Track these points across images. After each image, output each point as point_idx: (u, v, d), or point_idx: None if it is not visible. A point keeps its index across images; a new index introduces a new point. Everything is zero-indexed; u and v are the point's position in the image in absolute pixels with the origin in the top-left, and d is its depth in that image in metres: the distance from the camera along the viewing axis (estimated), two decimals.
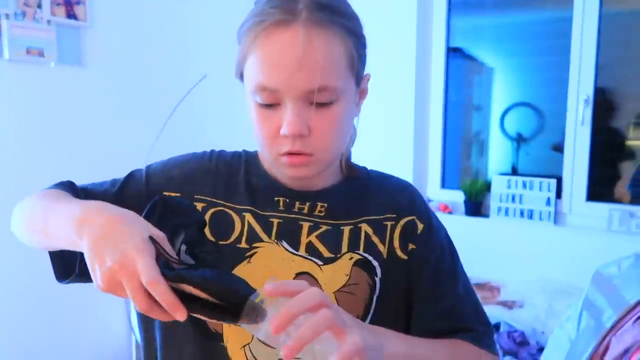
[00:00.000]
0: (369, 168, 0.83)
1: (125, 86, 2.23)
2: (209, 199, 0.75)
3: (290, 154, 0.66)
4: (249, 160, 0.79)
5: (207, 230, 0.73)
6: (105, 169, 2.12)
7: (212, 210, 0.74)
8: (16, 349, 1.95)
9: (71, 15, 1.98)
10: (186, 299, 0.53)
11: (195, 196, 0.75)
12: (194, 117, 2.37)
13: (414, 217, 0.76)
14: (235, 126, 2.81)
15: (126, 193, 0.75)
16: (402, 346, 0.62)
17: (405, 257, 0.74)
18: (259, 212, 0.73)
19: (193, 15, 2.46)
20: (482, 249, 2.32)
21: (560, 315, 1.76)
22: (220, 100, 2.56)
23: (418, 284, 0.74)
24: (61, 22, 1.96)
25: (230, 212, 0.74)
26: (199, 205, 0.75)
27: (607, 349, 1.00)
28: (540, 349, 1.72)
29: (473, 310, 0.76)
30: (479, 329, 0.75)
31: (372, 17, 2.88)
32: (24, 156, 1.92)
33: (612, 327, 1.01)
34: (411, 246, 0.74)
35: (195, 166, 0.78)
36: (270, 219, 0.73)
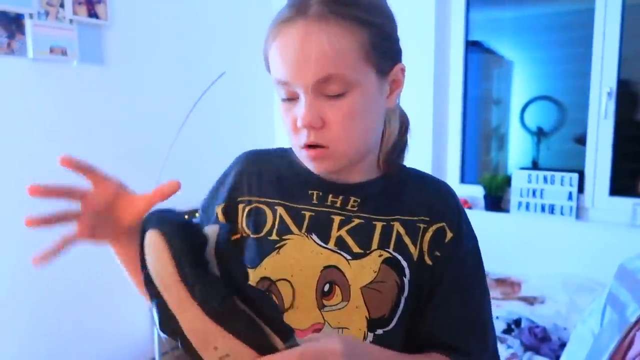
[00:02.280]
0: (407, 166, 0.81)
1: (146, 84, 2.26)
2: (247, 198, 0.78)
3: (308, 147, 0.68)
4: (284, 155, 0.80)
5: (244, 226, 0.76)
6: (127, 166, 2.16)
7: (248, 208, 0.77)
8: (40, 344, 2.00)
9: (92, 14, 2.01)
10: None
11: (238, 199, 0.78)
12: (213, 114, 2.39)
13: (444, 224, 0.73)
14: (252, 123, 2.83)
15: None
16: None
17: (430, 263, 0.72)
18: (291, 205, 0.75)
19: (212, 13, 2.48)
20: (503, 244, 2.30)
21: (582, 310, 1.74)
22: (239, 97, 2.58)
23: (433, 291, 0.73)
24: (83, 21, 1.99)
25: (264, 206, 0.77)
26: (240, 207, 0.78)
27: (631, 343, 0.99)
28: (562, 345, 1.70)
29: (478, 332, 0.73)
30: (472, 353, 0.71)
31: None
32: (47, 153, 1.96)
33: (637, 322, 1.00)
34: (437, 253, 0.73)
35: (233, 173, 0.81)
36: (302, 212, 0.74)
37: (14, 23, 1.80)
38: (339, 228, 0.73)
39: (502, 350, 1.68)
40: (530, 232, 2.31)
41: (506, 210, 2.41)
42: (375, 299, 0.69)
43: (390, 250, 0.71)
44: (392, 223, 0.73)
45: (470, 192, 2.53)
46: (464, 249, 0.74)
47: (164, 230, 0.52)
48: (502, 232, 2.33)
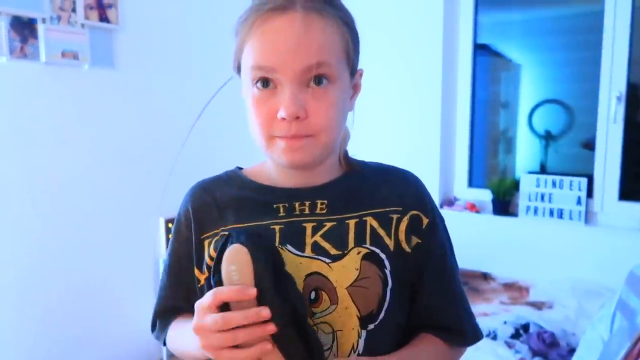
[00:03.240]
0: (363, 160, 0.82)
1: (156, 87, 2.27)
2: (211, 232, 0.76)
3: (288, 137, 0.67)
4: (233, 177, 0.80)
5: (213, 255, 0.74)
6: (137, 168, 2.18)
7: (214, 239, 0.75)
8: (50, 346, 2.01)
9: (104, 18, 2.03)
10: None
11: (202, 237, 0.76)
12: (222, 117, 2.40)
13: (418, 212, 0.75)
14: None
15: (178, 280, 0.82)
16: None
17: (409, 250, 0.73)
18: (258, 223, 0.73)
19: (222, 17, 2.49)
20: (511, 248, 2.29)
21: (591, 316, 1.73)
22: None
23: (421, 278, 0.75)
24: (94, 26, 2.01)
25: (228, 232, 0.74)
26: (206, 243, 0.75)
27: None
28: (571, 351, 1.70)
29: (463, 308, 0.79)
30: (468, 332, 0.78)
31: (398, 14, 2.88)
32: (59, 156, 1.98)
33: None
34: (416, 240, 0.74)
35: (190, 212, 0.78)
36: (272, 227, 0.72)
37: (26, 28, 1.82)
38: (313, 234, 0.72)
39: (510, 355, 1.67)
40: (539, 236, 2.30)
41: (514, 215, 2.41)
42: (363, 296, 0.69)
43: (367, 245, 0.71)
44: (364, 218, 0.73)
45: (478, 196, 2.52)
46: (440, 232, 0.78)
47: (252, 248, 0.59)
48: (510, 236, 2.32)
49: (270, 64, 0.66)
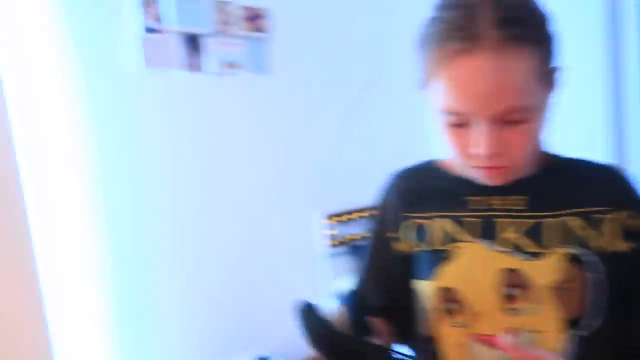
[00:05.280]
0: (562, 154, 0.79)
1: (309, 93, 2.36)
2: (405, 214, 0.81)
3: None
4: (434, 167, 0.83)
5: (407, 241, 0.81)
6: (296, 169, 2.26)
7: (409, 223, 0.80)
8: (217, 329, 2.15)
9: (258, 29, 2.15)
10: None
11: (401, 218, 0.83)
12: (375, 116, 2.42)
13: (631, 211, 0.70)
14: (413, 126, 2.77)
15: (380, 262, 0.88)
16: None
17: (624, 252, 0.68)
18: (453, 214, 0.76)
19: (373, 22, 2.51)
20: None
21: None
22: (399, 103, 2.55)
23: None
24: (250, 36, 2.14)
25: (424, 221, 0.78)
26: (402, 224, 0.82)
27: None
28: None
29: None
30: None
31: (560, 10, 2.52)
32: (231, 157, 2.14)
33: None
34: (632, 243, 0.68)
35: (391, 197, 0.85)
36: (467, 219, 0.75)
37: (194, 42, 1.99)
38: (509, 230, 0.70)
39: None
40: None
41: None
42: (568, 299, 0.65)
43: (572, 246, 0.67)
44: (567, 217, 0.69)
45: None
46: None
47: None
48: None
49: (462, 111, 0.65)
